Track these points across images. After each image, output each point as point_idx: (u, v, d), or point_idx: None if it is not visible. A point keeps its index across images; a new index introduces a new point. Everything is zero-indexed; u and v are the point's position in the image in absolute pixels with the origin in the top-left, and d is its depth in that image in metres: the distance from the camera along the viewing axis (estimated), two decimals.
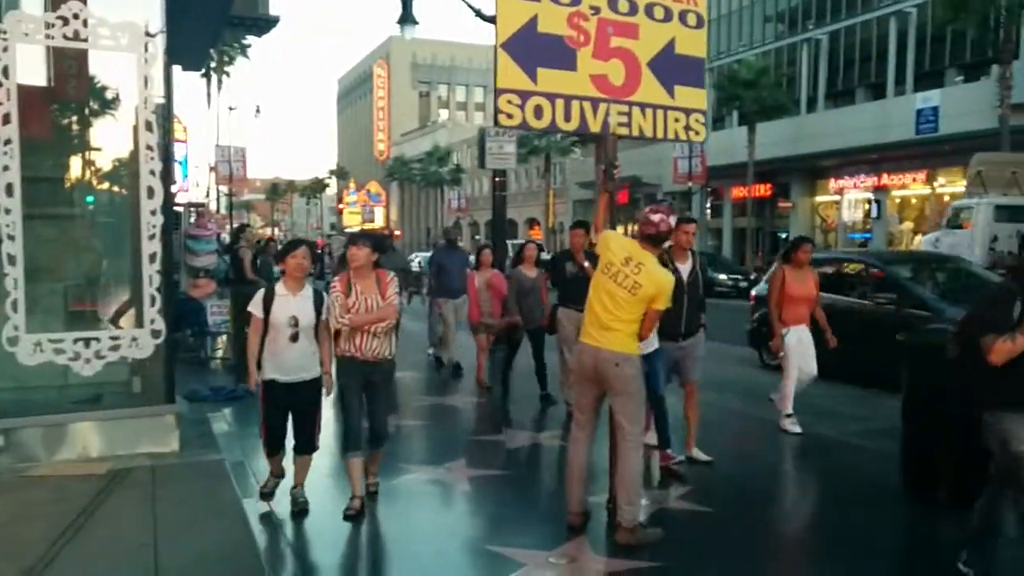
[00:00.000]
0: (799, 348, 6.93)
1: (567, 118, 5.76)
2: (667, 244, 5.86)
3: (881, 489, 5.43)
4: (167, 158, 6.34)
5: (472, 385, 9.23)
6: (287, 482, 5.02)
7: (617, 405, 4.46)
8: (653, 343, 5.50)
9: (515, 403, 8.33)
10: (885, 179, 31.89)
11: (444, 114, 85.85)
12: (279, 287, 4.81)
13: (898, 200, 32.58)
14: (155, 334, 5.93)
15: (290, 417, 4.94)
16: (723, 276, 25.90)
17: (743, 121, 33.91)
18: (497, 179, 12.69)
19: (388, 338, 4.87)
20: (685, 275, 5.80)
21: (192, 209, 16.40)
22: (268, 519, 4.79)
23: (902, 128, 28.95)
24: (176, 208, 12.72)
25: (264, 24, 11.41)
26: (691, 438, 6.10)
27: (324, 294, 4.87)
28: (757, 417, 7.63)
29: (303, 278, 4.84)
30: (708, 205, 40.94)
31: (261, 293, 4.82)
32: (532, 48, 5.63)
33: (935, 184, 29.93)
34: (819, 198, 36.51)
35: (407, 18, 15.01)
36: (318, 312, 4.79)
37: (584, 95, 5.77)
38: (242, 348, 10.69)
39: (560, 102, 5.72)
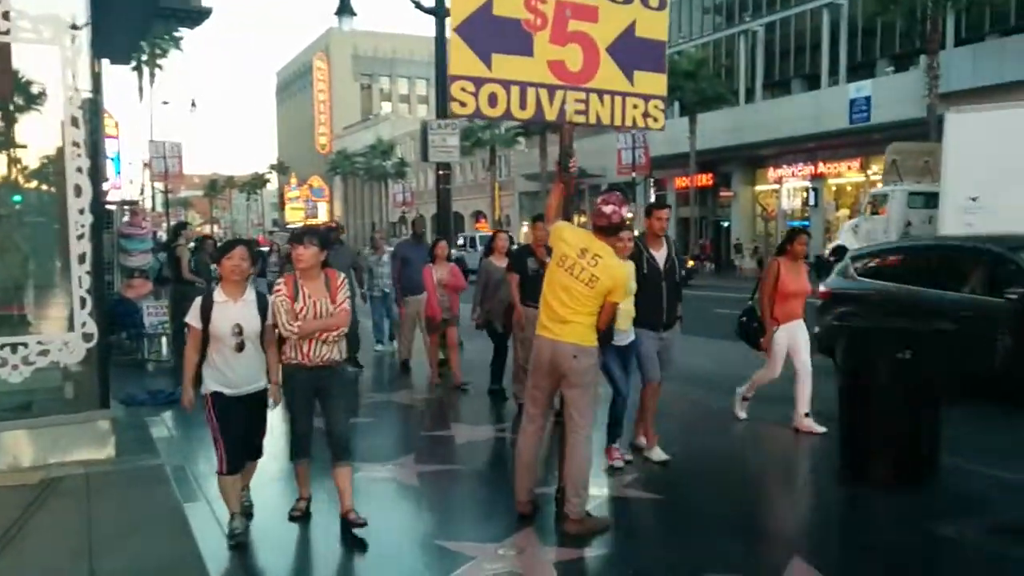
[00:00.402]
0: (791, 344, 6.58)
1: (523, 106, 5.53)
2: (638, 232, 5.75)
3: (823, 471, 5.55)
4: (95, 154, 6.13)
5: (420, 381, 9.17)
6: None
7: (570, 398, 4.44)
8: (631, 335, 5.48)
9: (465, 398, 8.29)
10: (822, 167, 32.69)
11: (387, 107, 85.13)
12: (217, 293, 4.37)
13: (834, 188, 33.42)
14: (87, 337, 5.73)
15: None
16: None
17: (684, 112, 34.34)
18: (441, 172, 12.56)
19: (339, 343, 4.51)
20: (661, 263, 5.67)
21: (125, 207, 15.92)
22: (211, 524, 4.67)
23: (836, 117, 29.71)
24: (108, 206, 12.32)
25: (196, 16, 11.08)
26: (651, 436, 5.90)
27: (268, 296, 4.47)
28: (705, 405, 7.73)
29: (243, 281, 4.39)
30: (652, 195, 41.38)
31: (199, 302, 4.37)
32: (487, 32, 5.35)
33: (868, 172, 30.77)
34: (759, 187, 37.23)
35: (345, 8, 14.80)
36: (263, 317, 4.39)
37: (541, 82, 5.51)
38: (181, 350, 10.57)
39: (516, 89, 5.46)
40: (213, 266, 11.99)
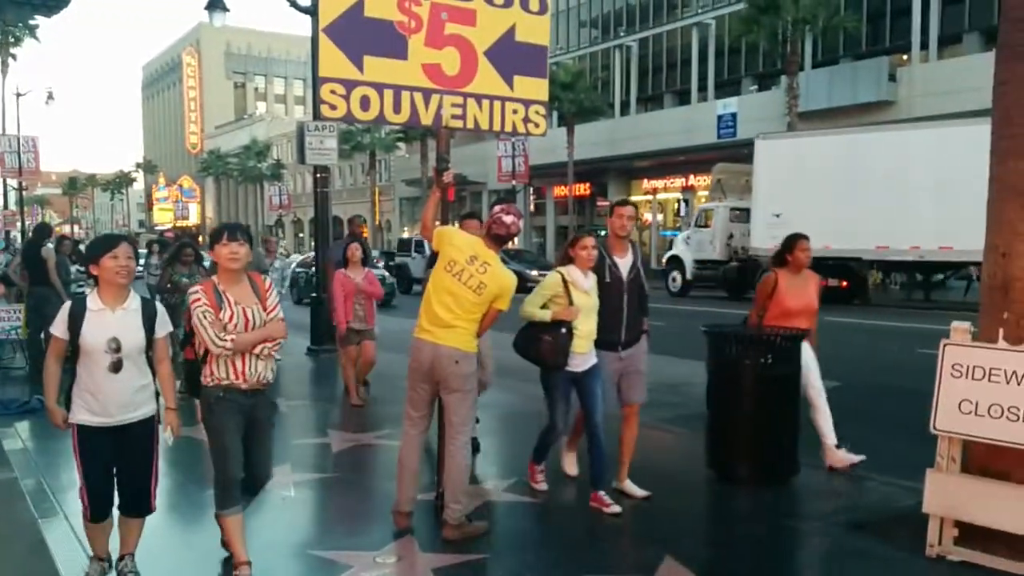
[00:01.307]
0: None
1: (396, 110, 5.34)
2: (601, 233, 5.40)
3: (690, 470, 5.82)
4: None
5: (293, 388, 8.97)
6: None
7: (449, 403, 4.45)
8: (590, 359, 4.94)
9: (341, 406, 8.17)
10: (692, 180, 34.12)
11: (262, 107, 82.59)
12: (92, 300, 3.62)
13: (703, 199, 34.98)
14: None
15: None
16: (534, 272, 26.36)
17: (562, 122, 35.08)
18: (319, 175, 12.36)
19: (271, 359, 3.90)
20: (625, 271, 5.13)
21: None
22: (70, 541, 4.40)
23: (705, 132, 31.14)
24: None
25: (53, 4, 10.47)
26: (624, 468, 5.29)
27: (157, 305, 3.82)
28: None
29: (127, 286, 3.67)
30: (532, 203, 41.99)
31: (67, 308, 3.63)
32: (358, 34, 5.17)
33: None
34: (634, 197, 38.44)
35: (216, 3, 14.31)
36: (149, 330, 3.68)
37: (415, 85, 5.33)
38: (39, 357, 9.91)
39: (389, 93, 5.28)
40: (74, 268, 11.32)
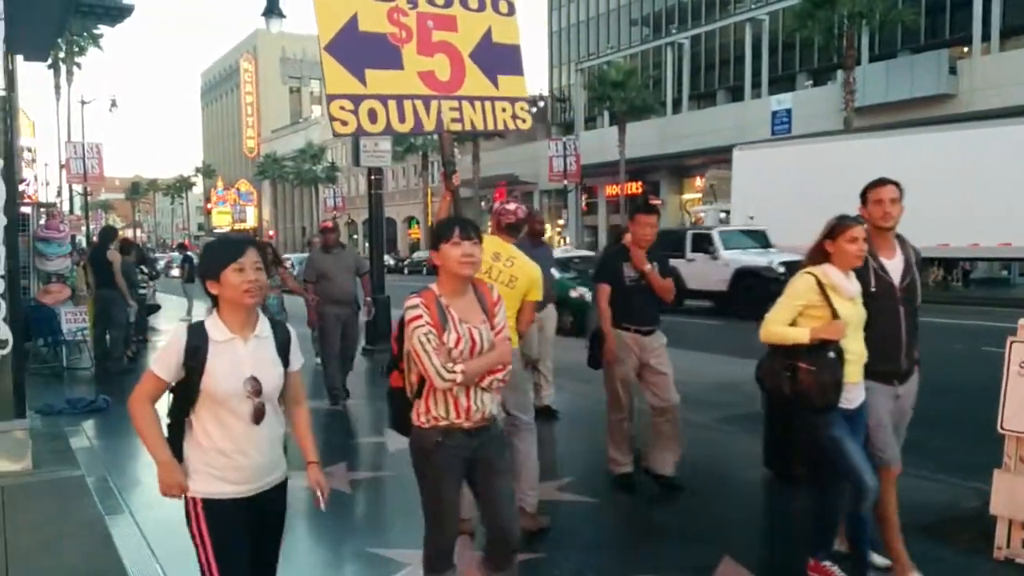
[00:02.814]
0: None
1: (401, 119, 5.43)
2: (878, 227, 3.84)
3: (746, 469, 5.73)
4: (10, 153, 5.91)
5: (350, 387, 9.08)
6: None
7: (509, 402, 4.48)
8: (859, 393, 3.67)
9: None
10: None
11: (317, 110, 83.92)
12: (214, 327, 2.62)
13: None
14: (1, 344, 5.51)
15: None
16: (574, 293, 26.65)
17: (613, 121, 34.92)
18: (373, 177, 12.51)
19: (498, 391, 3.12)
20: (896, 276, 3.81)
21: (42, 210, 15.35)
22: (135, 536, 4.54)
23: (759, 128, 30.65)
24: (23, 208, 11.86)
25: (116, 13, 10.79)
26: (900, 556, 3.86)
27: (288, 329, 2.80)
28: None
29: (254, 308, 2.68)
30: (583, 202, 41.90)
31: (182, 339, 2.58)
32: (357, 49, 5.31)
33: None
34: (686, 195, 38.07)
35: (273, 10, 14.58)
36: (284, 363, 2.73)
37: (414, 94, 5.46)
38: (103, 357, 10.24)
39: (392, 103, 5.40)
40: (143, 271, 11.66)
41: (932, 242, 16.30)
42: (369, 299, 9.21)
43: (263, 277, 2.61)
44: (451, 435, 2.99)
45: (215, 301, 2.63)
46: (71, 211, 38.73)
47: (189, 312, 17.71)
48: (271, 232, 75.43)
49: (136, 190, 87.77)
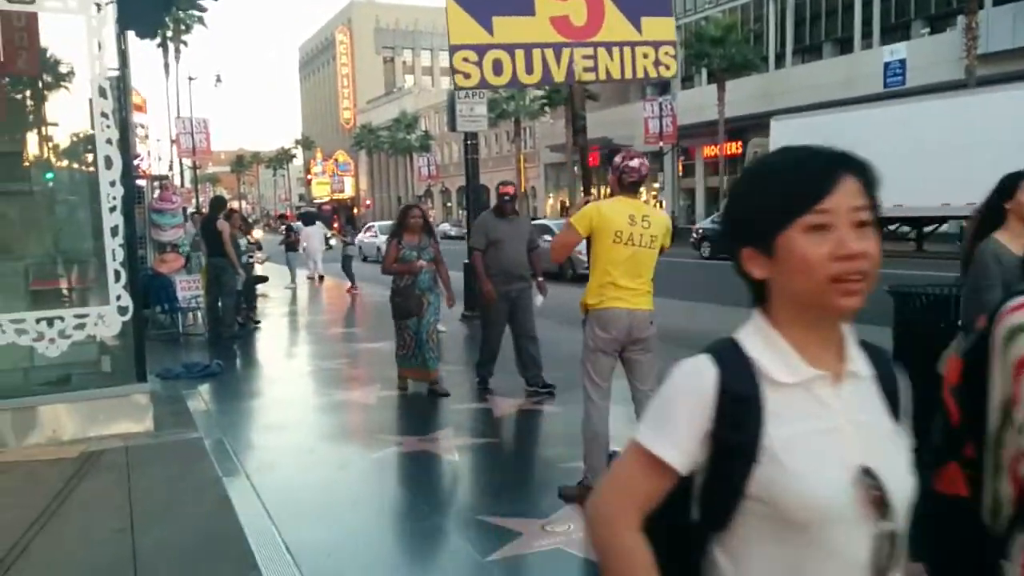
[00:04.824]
0: None
1: (529, 70, 5.14)
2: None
3: None
4: (125, 127, 6.06)
5: (450, 354, 9.08)
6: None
7: (644, 363, 4.37)
8: None
9: (498, 371, 8.18)
10: None
11: (410, 80, 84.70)
12: (772, 353, 1.17)
13: None
14: (122, 311, 5.69)
15: None
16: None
17: (712, 79, 33.76)
18: (469, 142, 12.43)
19: None
20: None
21: (155, 182, 15.97)
22: (251, 497, 4.62)
23: (870, 81, 28.97)
24: (139, 181, 12.32)
25: None
26: None
27: (888, 359, 1.27)
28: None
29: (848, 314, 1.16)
30: (680, 165, 40.87)
31: (708, 383, 1.15)
32: None
33: None
34: None
35: None
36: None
37: (545, 42, 5.15)
38: (216, 322, 10.57)
39: (520, 53, 5.11)
40: (243, 240, 11.96)
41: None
42: (542, 279, 7.21)
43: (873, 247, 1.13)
44: None
45: (760, 293, 1.22)
46: (182, 184, 40.41)
47: (293, 280, 18.17)
48: (368, 201, 76.91)
49: (240, 163, 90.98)
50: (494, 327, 7.06)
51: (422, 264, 6.87)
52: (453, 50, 5.10)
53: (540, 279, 7.19)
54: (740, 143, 36.51)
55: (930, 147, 20.16)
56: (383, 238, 14.76)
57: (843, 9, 35.40)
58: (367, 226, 31.52)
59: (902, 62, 28.54)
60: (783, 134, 22.97)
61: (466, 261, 9.07)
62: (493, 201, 7.59)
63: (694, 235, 26.06)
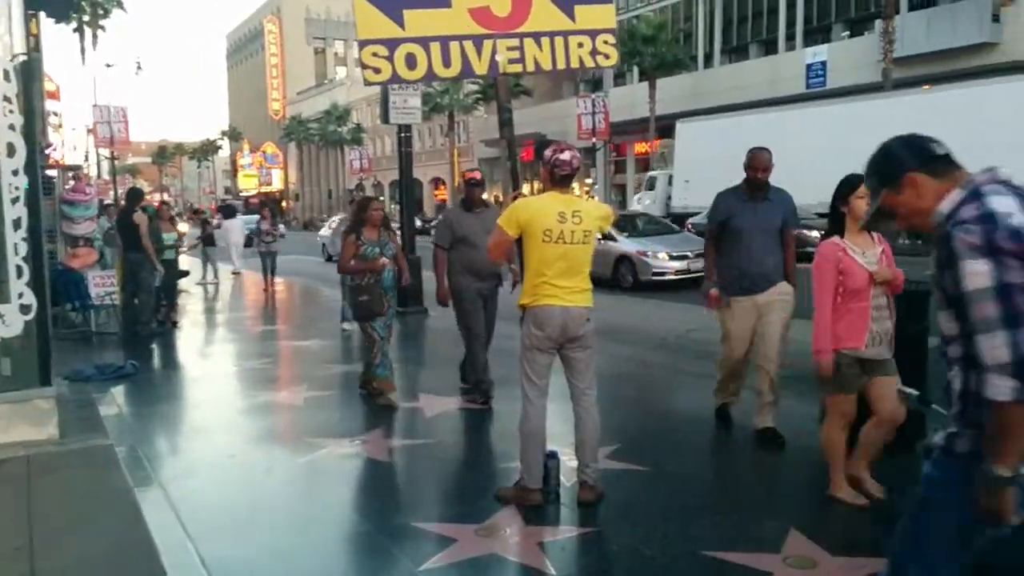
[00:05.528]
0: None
1: (446, 63, 4.89)
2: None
3: (809, 434, 5.40)
4: (31, 113, 5.64)
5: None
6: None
7: (581, 361, 4.26)
8: None
9: (429, 369, 8.00)
10: None
11: (342, 71, 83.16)
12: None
13: None
14: (24, 309, 5.29)
15: None
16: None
17: (643, 77, 34.06)
18: (403, 135, 12.17)
19: None
20: None
21: (68, 173, 15.20)
22: (164, 510, 4.32)
23: (793, 82, 29.71)
24: (49, 171, 11.66)
25: None
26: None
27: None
28: (689, 372, 7.56)
29: None
30: (612, 161, 41.19)
31: None
32: None
33: None
34: None
35: None
36: None
37: (464, 34, 4.91)
38: (131, 321, 10.08)
39: (435, 46, 4.86)
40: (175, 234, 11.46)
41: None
42: (515, 267, 6.11)
43: None
44: None
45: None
46: (98, 176, 38.84)
47: (216, 275, 17.62)
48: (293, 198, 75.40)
49: (163, 154, 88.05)
50: (472, 325, 6.40)
51: (385, 262, 6.34)
52: (362, 45, 4.87)
53: (514, 266, 6.19)
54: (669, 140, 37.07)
55: (819, 151, 19.05)
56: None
57: (768, 11, 36.16)
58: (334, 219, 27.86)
59: (823, 64, 29.34)
60: (684, 132, 26.24)
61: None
62: (425, 196, 7.35)
63: (689, 228, 26.07)
